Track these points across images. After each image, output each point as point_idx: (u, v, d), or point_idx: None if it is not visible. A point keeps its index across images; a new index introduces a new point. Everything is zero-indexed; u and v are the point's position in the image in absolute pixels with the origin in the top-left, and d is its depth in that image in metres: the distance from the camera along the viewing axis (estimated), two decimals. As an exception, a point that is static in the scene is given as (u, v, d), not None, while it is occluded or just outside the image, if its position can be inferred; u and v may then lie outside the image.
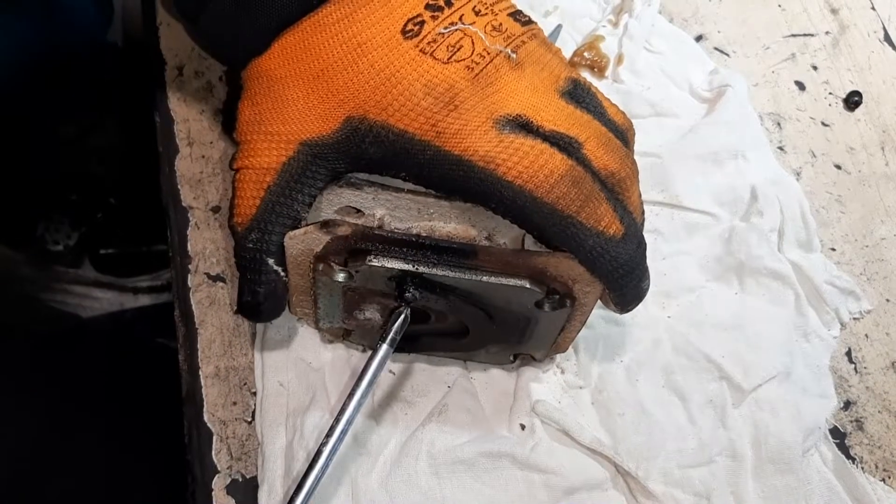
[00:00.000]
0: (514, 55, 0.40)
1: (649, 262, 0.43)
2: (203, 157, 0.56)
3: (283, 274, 0.43)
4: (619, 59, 0.60)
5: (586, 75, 0.60)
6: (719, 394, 0.50)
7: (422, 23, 0.39)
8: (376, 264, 0.41)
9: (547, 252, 0.41)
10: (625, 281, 0.41)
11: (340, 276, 0.42)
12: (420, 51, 0.39)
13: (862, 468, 0.51)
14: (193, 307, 0.52)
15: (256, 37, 0.40)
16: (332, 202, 0.43)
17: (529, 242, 0.42)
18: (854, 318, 0.55)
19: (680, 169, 0.56)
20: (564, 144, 0.39)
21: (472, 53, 0.39)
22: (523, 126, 0.40)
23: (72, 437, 0.65)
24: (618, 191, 0.41)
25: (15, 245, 0.79)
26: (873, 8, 0.68)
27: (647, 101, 0.59)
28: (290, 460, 0.46)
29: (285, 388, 0.48)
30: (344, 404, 0.41)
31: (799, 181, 0.59)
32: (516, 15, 0.43)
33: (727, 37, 0.65)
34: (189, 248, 0.53)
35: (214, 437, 0.48)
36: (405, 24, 0.39)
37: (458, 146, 0.39)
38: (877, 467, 0.52)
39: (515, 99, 0.40)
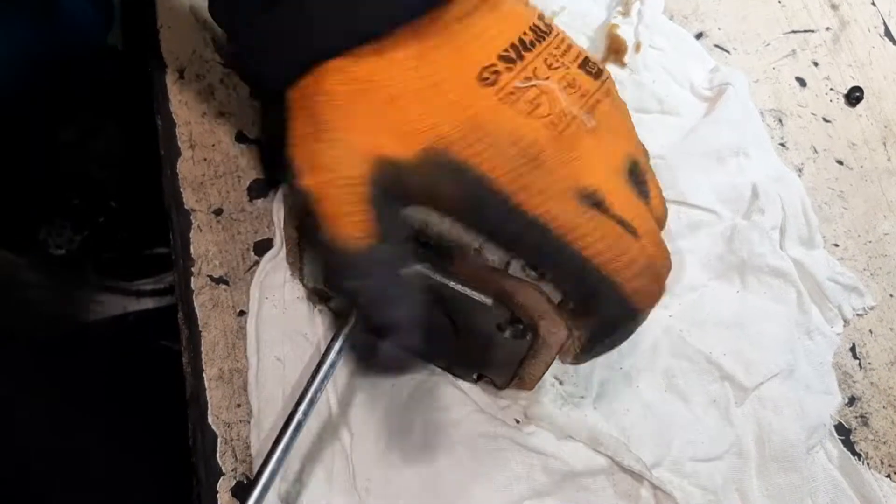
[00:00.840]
0: (591, 121, 0.38)
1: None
2: (205, 159, 0.56)
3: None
4: (637, 47, 0.59)
5: (608, 65, 0.59)
6: (722, 394, 0.50)
7: (497, 72, 0.37)
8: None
9: (519, 279, 0.40)
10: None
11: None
12: (499, 100, 0.37)
13: (867, 464, 0.51)
14: (196, 310, 0.52)
15: (314, 54, 0.38)
16: None
17: (516, 268, 0.41)
18: (858, 315, 0.55)
19: (683, 168, 0.56)
20: (630, 232, 0.38)
21: (551, 113, 0.37)
22: (597, 204, 0.37)
23: (75, 441, 0.65)
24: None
25: (17, 250, 0.79)
26: (873, 3, 0.67)
27: (655, 95, 0.59)
28: None
29: (282, 363, 0.49)
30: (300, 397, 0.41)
31: (801, 177, 0.59)
32: (587, 65, 0.40)
33: (727, 34, 0.65)
34: (192, 250, 0.53)
35: (219, 440, 0.48)
36: (480, 72, 0.37)
37: (539, 207, 0.36)
38: (882, 463, 0.52)
39: (593, 172, 0.38)
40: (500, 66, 0.37)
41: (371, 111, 0.37)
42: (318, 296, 0.50)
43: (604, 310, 0.38)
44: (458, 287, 0.41)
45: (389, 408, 0.48)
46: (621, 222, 0.37)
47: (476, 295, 0.41)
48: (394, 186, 0.37)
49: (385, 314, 0.38)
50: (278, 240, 0.52)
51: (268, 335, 0.49)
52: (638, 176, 0.41)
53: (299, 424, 0.40)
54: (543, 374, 0.46)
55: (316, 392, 0.41)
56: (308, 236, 0.43)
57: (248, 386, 0.49)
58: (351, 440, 0.47)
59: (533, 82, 0.37)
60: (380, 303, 0.37)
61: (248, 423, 0.49)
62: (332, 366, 0.41)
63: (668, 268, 0.40)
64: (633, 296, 0.38)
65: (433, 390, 0.48)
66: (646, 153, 0.43)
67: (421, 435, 0.47)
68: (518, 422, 0.48)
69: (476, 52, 0.38)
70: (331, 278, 0.39)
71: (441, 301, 0.42)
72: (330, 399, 0.48)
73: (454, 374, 0.49)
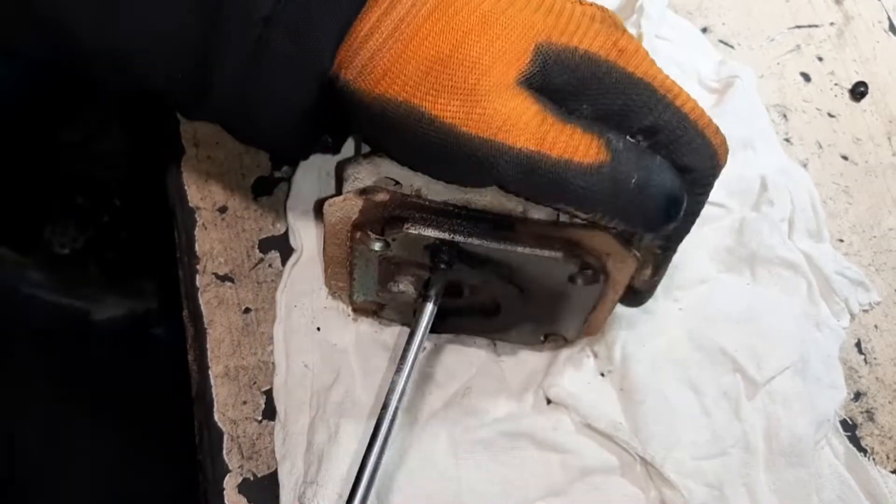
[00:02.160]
0: None
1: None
2: (209, 157, 0.56)
3: None
4: (640, 38, 0.59)
5: None
6: (733, 386, 0.50)
7: None
8: (413, 232, 0.41)
9: (582, 225, 0.41)
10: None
11: (377, 245, 0.42)
12: None
13: (873, 459, 0.51)
14: (202, 307, 0.52)
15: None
16: (371, 173, 0.43)
17: (564, 218, 0.42)
18: (863, 310, 0.55)
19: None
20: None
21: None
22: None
23: (80, 439, 0.65)
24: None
25: (21, 249, 0.80)
26: (878, -2, 0.67)
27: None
28: (312, 435, 0.47)
29: (310, 370, 0.49)
30: (397, 369, 0.42)
31: (806, 172, 0.59)
32: None
33: (732, 29, 0.65)
34: (197, 248, 0.53)
35: (225, 437, 0.48)
36: None
37: (639, 67, 0.39)
38: (888, 457, 0.52)
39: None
40: None
41: (478, 42, 0.37)
42: (365, 311, 0.50)
43: (697, 163, 0.40)
44: (526, 250, 0.41)
45: (418, 411, 0.49)
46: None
47: (545, 252, 0.41)
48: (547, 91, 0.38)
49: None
50: (298, 245, 0.52)
51: (296, 342, 0.50)
52: None
53: (392, 419, 0.42)
54: (611, 312, 0.47)
55: (402, 390, 0.42)
56: (353, 248, 0.43)
57: (275, 391, 0.49)
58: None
59: None
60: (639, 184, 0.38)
61: (255, 420, 0.49)
62: (415, 358, 0.43)
63: None
64: (719, 148, 0.40)
65: (467, 394, 0.49)
66: None
67: (445, 438, 0.48)
68: (549, 402, 0.49)
69: None
70: (595, 198, 0.38)
71: (507, 270, 0.43)
72: (363, 398, 0.49)
73: (516, 342, 0.50)
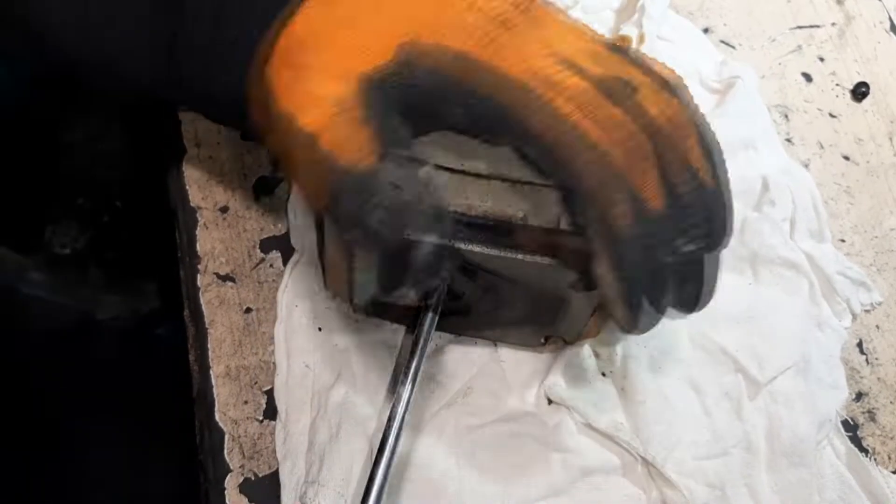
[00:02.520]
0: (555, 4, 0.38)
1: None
2: (210, 157, 0.56)
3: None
4: (641, 38, 0.60)
5: None
6: (735, 386, 0.50)
7: None
8: (412, 238, 0.41)
9: (582, 233, 0.41)
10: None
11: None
12: None
13: (875, 459, 0.51)
14: (203, 307, 0.52)
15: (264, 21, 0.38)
16: None
17: (564, 225, 0.42)
18: (865, 310, 0.55)
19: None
20: (619, 89, 0.36)
21: None
22: (576, 69, 0.36)
23: (82, 440, 0.65)
24: (674, 145, 0.36)
25: (22, 249, 0.80)
26: (879, -2, 0.67)
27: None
28: (314, 435, 0.47)
29: (311, 370, 0.49)
30: (401, 381, 0.43)
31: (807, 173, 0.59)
32: None
33: (733, 29, 0.65)
34: (198, 248, 0.53)
35: (226, 437, 0.48)
36: None
37: (518, 67, 0.35)
38: (889, 458, 0.52)
39: (565, 40, 0.37)
40: None
41: (336, 36, 0.37)
42: (372, 309, 0.50)
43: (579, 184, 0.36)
44: (526, 257, 0.41)
45: (419, 411, 0.49)
46: (604, 82, 0.36)
47: (545, 259, 0.41)
48: (389, 99, 0.36)
49: (398, 232, 0.36)
50: (299, 245, 0.52)
51: (297, 342, 0.50)
52: (624, 48, 0.38)
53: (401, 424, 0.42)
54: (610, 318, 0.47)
55: (409, 398, 0.42)
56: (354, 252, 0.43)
57: (276, 391, 0.49)
58: (376, 439, 0.47)
59: None
60: (393, 220, 0.36)
61: (256, 419, 0.49)
62: (418, 365, 0.43)
63: (683, 130, 0.37)
64: (608, 154, 0.35)
65: (468, 394, 0.49)
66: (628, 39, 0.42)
67: (446, 439, 0.48)
68: (550, 402, 0.49)
69: None
70: (339, 206, 0.36)
71: (504, 274, 0.43)
72: (364, 399, 0.49)
73: (517, 344, 0.50)
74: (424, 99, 0.36)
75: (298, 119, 0.36)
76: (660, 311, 0.39)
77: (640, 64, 0.38)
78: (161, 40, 0.40)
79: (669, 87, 0.37)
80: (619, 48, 0.38)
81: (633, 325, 0.38)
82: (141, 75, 0.42)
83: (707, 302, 0.40)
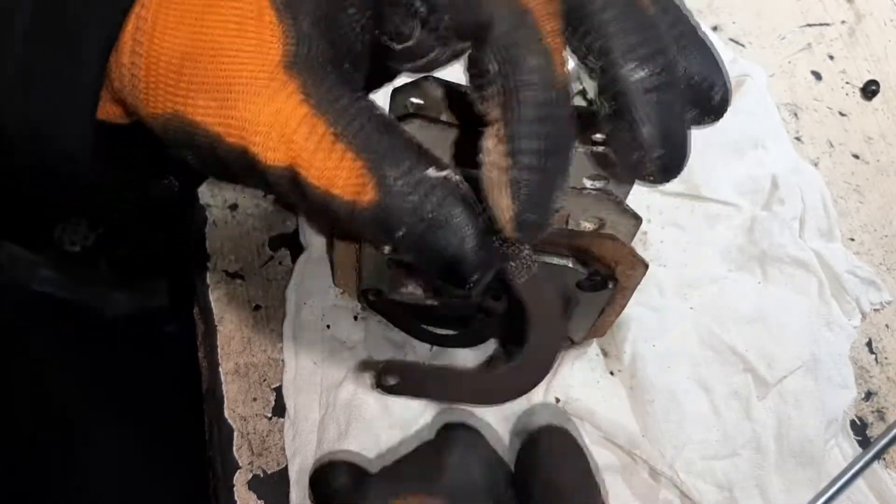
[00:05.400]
0: None
1: (669, 253, 0.43)
2: (220, 155, 0.56)
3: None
4: None
5: None
6: (744, 386, 0.50)
7: None
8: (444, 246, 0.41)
9: (591, 232, 0.41)
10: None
11: (386, 249, 0.42)
12: None
13: (883, 459, 0.51)
14: (212, 304, 0.52)
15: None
16: None
17: (572, 224, 0.42)
18: (874, 310, 0.55)
19: (700, 159, 0.56)
20: None
21: None
22: None
23: (93, 436, 0.65)
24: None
25: (33, 247, 0.80)
26: (889, -4, 0.67)
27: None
28: (322, 432, 0.48)
29: (319, 367, 0.50)
30: None
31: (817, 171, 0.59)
32: None
33: (742, 28, 0.64)
34: (207, 246, 0.53)
35: (235, 434, 0.49)
36: None
37: None
38: (899, 458, 0.51)
39: None
40: None
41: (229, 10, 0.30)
42: (379, 307, 0.49)
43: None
44: (535, 257, 0.41)
45: (427, 407, 0.49)
46: None
47: (553, 259, 0.41)
48: (323, 64, 0.30)
49: (433, 244, 0.30)
50: (308, 243, 0.53)
51: (305, 339, 0.50)
52: None
53: None
54: (618, 316, 0.47)
55: None
56: (363, 251, 0.42)
57: (285, 388, 0.49)
58: (386, 434, 0.48)
59: None
60: (424, 238, 0.29)
61: (265, 417, 0.49)
62: None
63: None
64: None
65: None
66: None
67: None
68: (558, 401, 0.49)
69: None
70: (365, 235, 0.30)
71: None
72: (372, 396, 0.49)
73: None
74: (344, 31, 0.31)
75: (266, 158, 0.29)
76: (546, 219, 0.31)
77: None
78: None
79: None
80: None
81: (515, 228, 0.30)
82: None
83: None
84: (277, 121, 0.29)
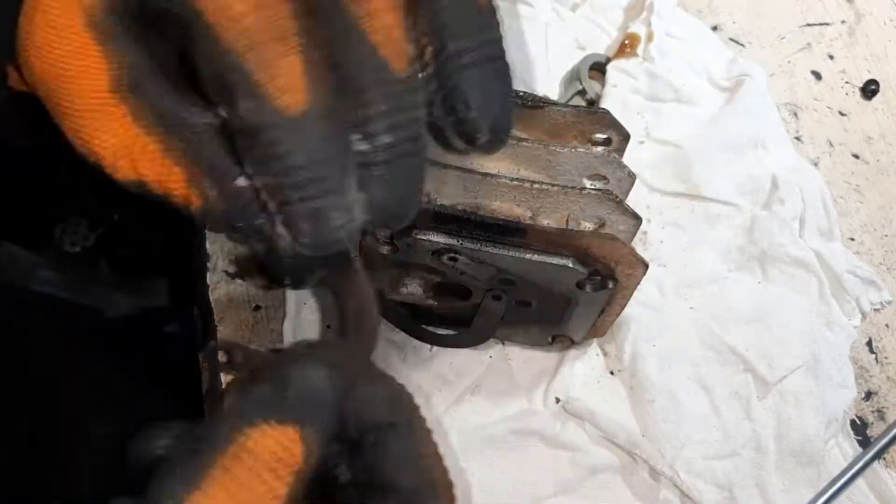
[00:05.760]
0: None
1: (669, 253, 0.43)
2: (220, 155, 0.56)
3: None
4: (650, 37, 0.60)
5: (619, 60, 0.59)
6: (744, 386, 0.50)
7: None
8: (421, 238, 0.41)
9: (591, 232, 0.41)
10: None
11: (384, 249, 0.42)
12: None
13: (883, 459, 0.51)
14: (212, 305, 0.52)
15: None
16: None
17: (572, 224, 0.42)
18: (874, 309, 0.55)
19: (700, 159, 0.56)
20: None
21: None
22: None
23: (92, 436, 0.65)
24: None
25: (33, 247, 0.80)
26: (889, -5, 0.67)
27: (671, 84, 0.59)
28: None
29: None
30: None
31: (816, 171, 0.59)
32: None
33: (742, 27, 0.64)
34: (207, 246, 0.53)
35: (235, 434, 0.49)
36: None
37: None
38: (899, 458, 0.51)
39: None
40: None
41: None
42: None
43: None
44: (535, 256, 0.41)
45: (427, 409, 0.49)
46: None
47: (553, 259, 0.42)
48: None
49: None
50: None
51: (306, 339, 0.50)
52: None
53: None
54: (618, 316, 0.47)
55: None
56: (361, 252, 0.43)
57: None
58: None
59: None
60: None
61: (265, 417, 0.49)
62: None
63: None
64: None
65: (476, 392, 0.50)
66: None
67: (455, 436, 0.48)
68: (558, 401, 0.49)
69: None
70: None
71: (512, 274, 0.43)
72: None
73: (524, 343, 0.50)
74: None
75: (117, 175, 0.32)
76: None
77: None
78: None
79: None
80: None
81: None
82: None
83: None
84: (118, 142, 0.32)
